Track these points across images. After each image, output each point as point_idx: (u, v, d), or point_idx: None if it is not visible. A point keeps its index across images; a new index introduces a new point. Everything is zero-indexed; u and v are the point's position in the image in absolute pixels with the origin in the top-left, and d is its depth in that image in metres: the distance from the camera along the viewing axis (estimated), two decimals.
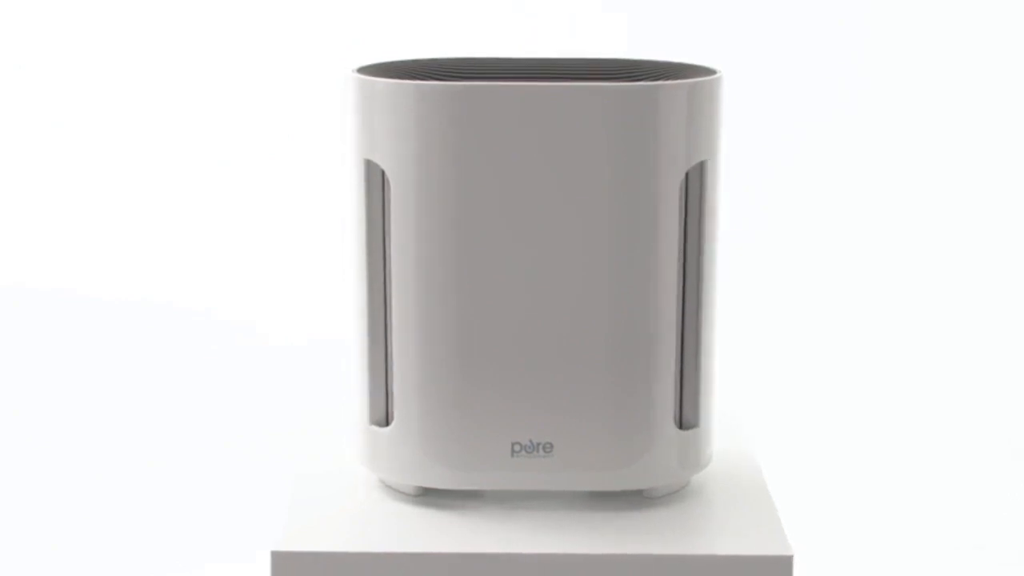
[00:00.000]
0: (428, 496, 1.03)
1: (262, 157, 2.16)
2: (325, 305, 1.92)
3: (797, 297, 1.92)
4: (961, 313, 1.90)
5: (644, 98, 0.94)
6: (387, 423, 1.02)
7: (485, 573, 0.97)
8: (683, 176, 0.97)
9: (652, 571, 0.96)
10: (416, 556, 0.96)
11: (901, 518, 1.52)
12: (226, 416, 1.80)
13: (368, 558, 0.97)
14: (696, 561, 0.95)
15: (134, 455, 1.72)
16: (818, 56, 2.03)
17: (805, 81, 2.04)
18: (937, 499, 1.57)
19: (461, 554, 0.96)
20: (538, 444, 0.99)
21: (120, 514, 1.59)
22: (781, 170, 2.01)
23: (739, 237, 1.82)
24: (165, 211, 2.20)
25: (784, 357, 1.81)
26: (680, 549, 0.96)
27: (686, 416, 1.01)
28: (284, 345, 1.96)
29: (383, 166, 0.97)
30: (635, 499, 1.02)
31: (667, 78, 0.98)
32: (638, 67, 1.03)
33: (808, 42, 2.02)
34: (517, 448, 0.99)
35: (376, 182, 0.99)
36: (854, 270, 1.95)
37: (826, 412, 1.70)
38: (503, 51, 1.09)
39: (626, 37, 2.01)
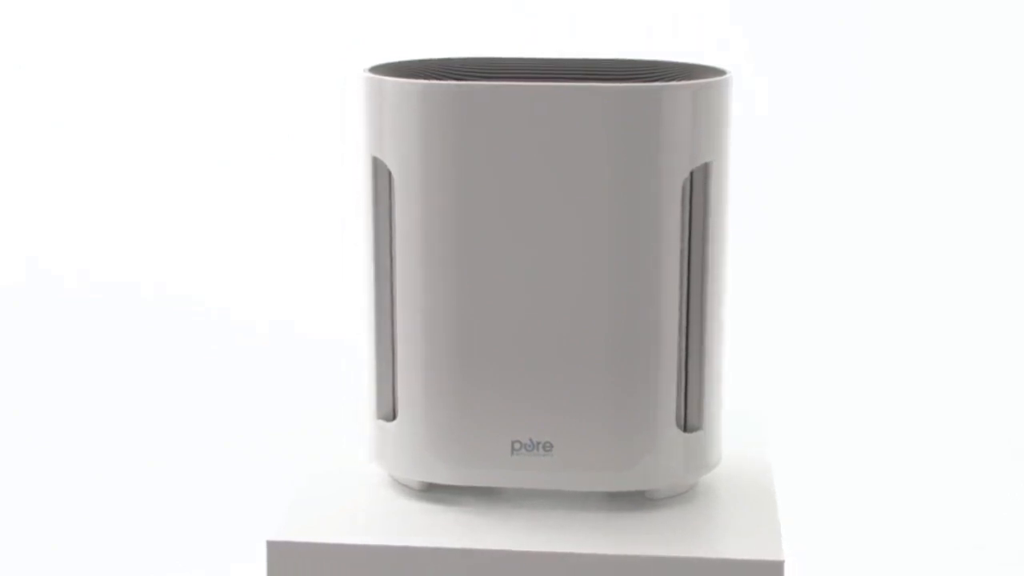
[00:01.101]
0: (433, 492, 1.04)
1: (263, 157, 2.16)
2: (328, 305, 1.92)
3: (821, 298, 1.91)
4: (968, 316, 1.90)
5: (647, 99, 0.94)
6: (394, 417, 1.02)
7: (477, 569, 0.97)
8: (686, 177, 0.97)
9: (643, 572, 0.95)
10: (411, 550, 0.97)
11: (908, 520, 1.52)
12: (231, 414, 1.80)
13: (363, 550, 0.97)
14: (687, 564, 0.95)
15: (135, 455, 1.72)
16: (840, 57, 2.03)
17: (822, 82, 2.04)
18: (940, 498, 1.57)
19: (455, 549, 0.97)
20: (538, 443, 0.99)
21: (121, 514, 1.59)
22: (795, 170, 2.01)
23: (756, 238, 1.82)
24: (165, 211, 2.20)
25: (805, 360, 1.80)
26: (672, 551, 0.96)
27: (689, 418, 1.01)
28: (286, 344, 1.97)
29: (389, 164, 0.98)
30: (639, 500, 1.02)
31: (681, 79, 0.98)
32: (653, 68, 1.03)
33: (832, 42, 2.02)
34: (517, 446, 0.99)
35: (383, 180, 0.99)
36: (877, 272, 1.95)
37: (844, 415, 1.70)
38: (528, 51, 1.09)
39: (655, 39, 2.01)
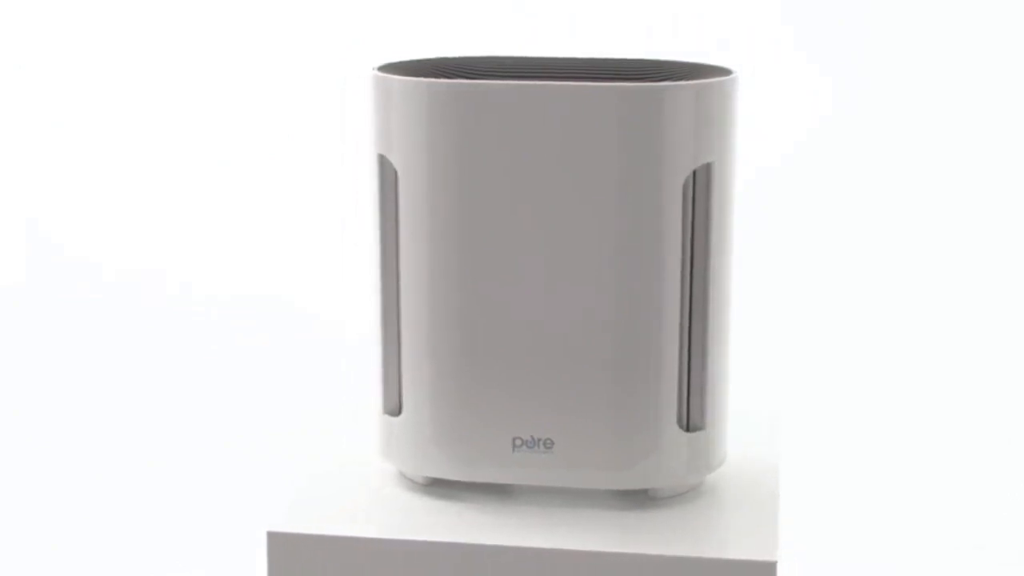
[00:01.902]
0: (438, 488, 1.04)
1: (263, 156, 2.16)
2: (330, 303, 1.92)
3: (845, 299, 1.90)
4: (983, 319, 1.89)
5: (648, 98, 0.95)
6: (399, 412, 1.03)
7: (474, 564, 0.97)
8: (688, 177, 0.97)
9: (637, 570, 0.96)
10: (410, 543, 0.97)
11: (918, 522, 1.51)
12: (233, 413, 1.80)
13: (362, 543, 0.98)
14: (680, 562, 0.95)
15: (137, 454, 1.72)
16: (847, 56, 2.02)
17: (835, 80, 2.03)
18: (947, 501, 1.56)
19: (454, 544, 0.97)
20: (539, 440, 1.00)
21: (122, 513, 1.59)
22: (810, 167, 2.00)
23: (776, 238, 1.82)
24: (163, 211, 2.20)
25: (825, 361, 1.79)
26: (666, 550, 0.96)
27: (692, 418, 1.01)
28: (288, 343, 1.96)
29: (395, 161, 0.98)
30: (641, 499, 1.03)
31: (688, 79, 0.98)
32: (660, 68, 1.03)
33: (841, 41, 2.02)
34: (518, 443, 1.00)
35: (390, 177, 1.00)
36: (902, 275, 1.93)
37: (861, 418, 1.69)
38: (534, 51, 1.09)
39: (666, 38, 2.01)
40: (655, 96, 0.95)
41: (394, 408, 1.04)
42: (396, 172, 0.99)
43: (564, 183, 0.95)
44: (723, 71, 1.00)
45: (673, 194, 0.96)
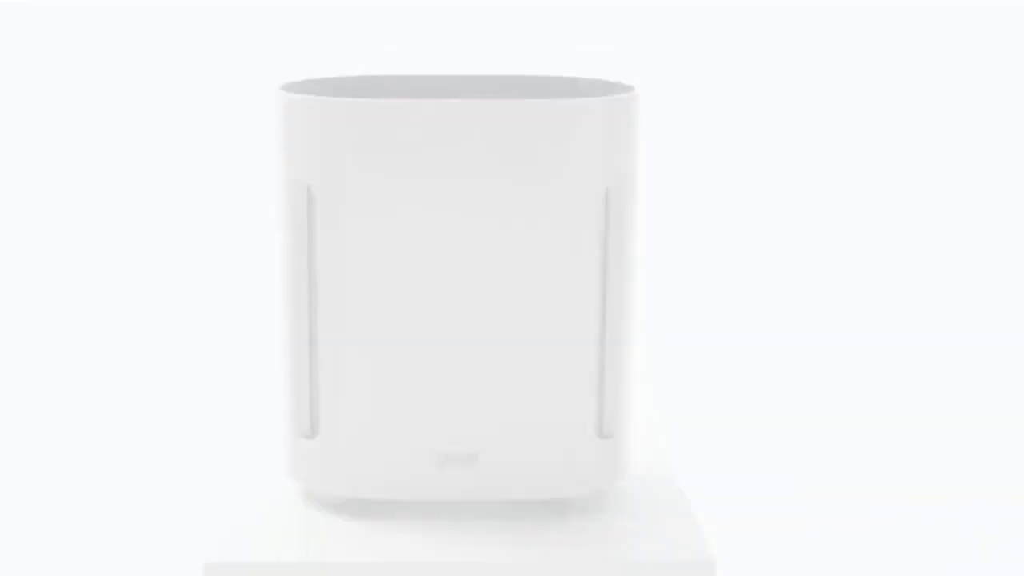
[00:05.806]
0: (354, 506, 1.04)
1: (179, 170, 2.10)
2: (233, 320, 1.87)
3: (724, 304, 1.88)
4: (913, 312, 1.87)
5: (555, 115, 0.96)
6: (313, 435, 1.03)
7: None
8: (597, 192, 0.98)
9: None
10: (345, 566, 0.98)
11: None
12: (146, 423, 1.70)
13: (303, 568, 0.98)
14: (624, 567, 0.97)
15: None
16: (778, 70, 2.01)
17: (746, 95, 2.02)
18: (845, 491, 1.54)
19: (382, 563, 0.98)
20: (461, 455, 1.01)
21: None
22: (727, 172, 1.98)
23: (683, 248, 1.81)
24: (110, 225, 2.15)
25: (710, 365, 1.77)
26: (607, 556, 0.98)
27: (605, 425, 1.03)
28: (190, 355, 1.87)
29: (308, 182, 0.98)
30: (556, 507, 1.04)
31: (594, 95, 1.00)
32: (553, 83, 1.05)
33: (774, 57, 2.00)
34: (441, 459, 1.01)
35: (301, 196, 0.99)
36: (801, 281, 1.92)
37: (744, 419, 1.66)
38: (446, 68, 1.10)
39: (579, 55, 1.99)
40: (561, 113, 0.96)
41: (307, 430, 1.03)
42: (309, 192, 0.98)
43: (476, 199, 0.96)
44: (624, 88, 1.02)
45: (581, 209, 0.98)
